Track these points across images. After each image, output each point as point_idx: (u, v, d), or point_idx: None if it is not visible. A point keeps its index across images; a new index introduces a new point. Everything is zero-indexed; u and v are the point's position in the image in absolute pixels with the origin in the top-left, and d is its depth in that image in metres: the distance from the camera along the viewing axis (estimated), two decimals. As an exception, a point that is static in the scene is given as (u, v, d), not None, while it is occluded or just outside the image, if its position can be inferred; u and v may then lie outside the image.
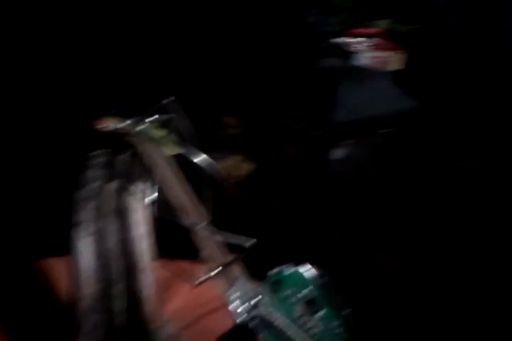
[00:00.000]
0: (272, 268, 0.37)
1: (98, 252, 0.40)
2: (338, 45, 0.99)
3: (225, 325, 0.44)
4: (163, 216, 0.32)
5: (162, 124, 0.33)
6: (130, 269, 0.40)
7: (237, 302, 0.31)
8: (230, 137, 1.07)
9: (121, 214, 0.40)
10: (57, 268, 0.39)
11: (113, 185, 0.41)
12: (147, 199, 0.39)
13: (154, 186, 0.36)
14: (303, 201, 0.85)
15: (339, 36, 0.82)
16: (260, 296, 0.32)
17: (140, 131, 0.32)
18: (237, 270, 0.32)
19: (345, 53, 1.03)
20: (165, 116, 0.34)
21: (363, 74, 0.80)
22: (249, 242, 0.30)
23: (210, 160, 0.31)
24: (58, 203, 0.42)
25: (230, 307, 0.30)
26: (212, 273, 0.30)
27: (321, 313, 0.36)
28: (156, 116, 0.33)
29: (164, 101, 0.32)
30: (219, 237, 0.31)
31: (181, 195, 0.32)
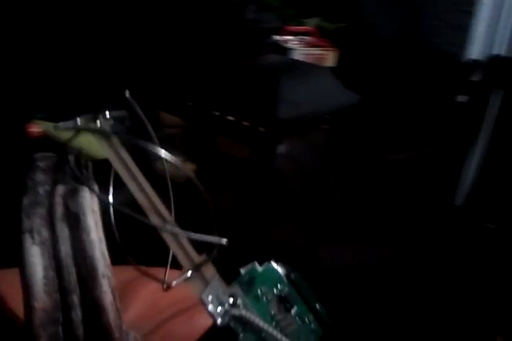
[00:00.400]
0: (226, 268, 0.36)
1: (50, 261, 0.37)
2: (275, 42, 0.99)
3: (190, 328, 0.43)
4: (127, 216, 0.30)
5: (116, 120, 0.31)
6: (86, 277, 0.37)
7: (214, 303, 0.29)
8: (169, 137, 1.05)
9: (73, 220, 0.38)
10: (6, 280, 0.36)
11: (61, 189, 0.39)
12: (99, 203, 0.37)
13: (111, 187, 0.34)
14: (247, 199, 0.84)
15: (277, 33, 0.81)
16: (236, 296, 0.30)
17: (98, 128, 0.30)
18: (210, 270, 0.30)
19: (282, 50, 1.03)
20: (118, 112, 0.32)
21: (304, 70, 0.80)
22: (221, 241, 0.29)
23: (172, 156, 0.30)
24: (2, 210, 0.39)
25: (208, 308, 0.29)
26: (188, 275, 0.29)
27: (294, 310, 0.35)
28: (107, 113, 0.31)
29: (118, 97, 0.31)
30: (190, 236, 0.29)
31: (143, 193, 0.30)
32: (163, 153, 0.29)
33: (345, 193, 1.11)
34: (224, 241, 0.29)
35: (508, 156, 1.39)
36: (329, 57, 1.23)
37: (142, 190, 0.30)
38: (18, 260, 0.36)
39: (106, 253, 0.39)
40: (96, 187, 0.39)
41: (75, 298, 0.37)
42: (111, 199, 0.34)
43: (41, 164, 0.40)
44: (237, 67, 0.78)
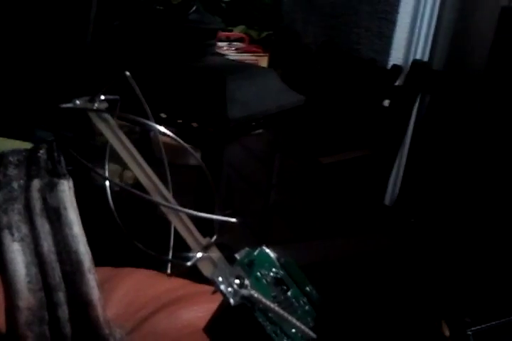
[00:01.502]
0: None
1: (32, 258, 0.35)
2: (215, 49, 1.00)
3: (173, 322, 0.42)
4: (128, 198, 0.29)
5: (110, 104, 0.30)
6: (72, 272, 0.36)
7: (225, 283, 0.29)
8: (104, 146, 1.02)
9: (53, 214, 0.36)
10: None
11: (37, 184, 0.37)
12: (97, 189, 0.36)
13: (106, 167, 0.33)
14: (200, 201, 0.83)
15: (216, 35, 0.82)
16: (243, 277, 0.30)
17: (96, 109, 0.29)
18: (215, 252, 0.30)
19: (216, 56, 1.04)
20: (112, 96, 0.31)
21: (248, 71, 0.81)
22: (232, 220, 0.29)
23: (170, 133, 0.29)
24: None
25: (221, 288, 0.29)
26: (199, 256, 0.28)
27: (290, 292, 0.35)
28: (103, 97, 0.30)
29: (113, 81, 0.30)
30: (199, 215, 0.29)
31: (145, 174, 0.29)
32: (162, 129, 0.29)
33: (286, 195, 1.13)
34: (234, 220, 0.29)
35: (430, 156, 1.47)
36: (261, 63, 1.25)
37: (143, 170, 0.29)
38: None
39: (88, 248, 0.38)
40: (71, 181, 0.37)
41: (61, 295, 0.35)
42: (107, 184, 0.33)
43: (12, 159, 0.38)
44: (181, 69, 0.78)
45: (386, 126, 1.38)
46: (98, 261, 0.40)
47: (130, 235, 0.31)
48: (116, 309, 0.43)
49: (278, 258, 0.36)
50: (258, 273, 0.33)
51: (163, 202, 0.28)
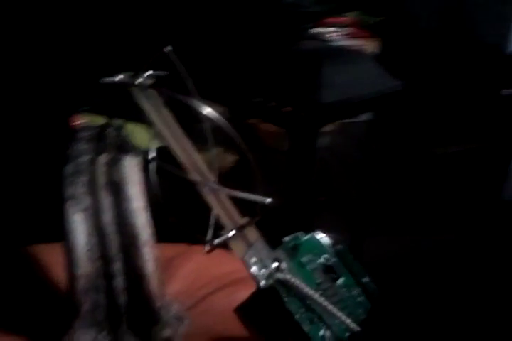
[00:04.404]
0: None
1: (93, 228, 0.37)
2: (314, 34, 0.98)
3: (230, 302, 0.42)
4: (168, 174, 0.30)
5: (157, 80, 0.31)
6: (129, 245, 0.37)
7: (258, 265, 0.28)
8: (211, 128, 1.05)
9: (116, 188, 0.38)
10: (52, 253, 0.36)
11: (104, 158, 0.38)
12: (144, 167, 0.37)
13: (153, 144, 0.33)
14: (289, 187, 0.83)
15: (317, 18, 0.80)
16: (281, 260, 0.29)
17: (139, 84, 0.29)
18: (253, 233, 0.29)
19: (322, 41, 1.02)
20: (160, 72, 0.31)
21: (346, 55, 0.79)
22: (265, 200, 0.28)
23: (216, 113, 0.29)
24: (49, 185, 0.39)
25: (251, 269, 0.28)
26: (230, 235, 0.28)
27: (340, 281, 0.33)
28: (151, 72, 0.30)
29: (159, 54, 0.30)
30: (232, 193, 0.28)
31: (184, 151, 0.29)
32: (205, 108, 0.28)
33: (388, 184, 1.08)
34: (268, 200, 0.28)
35: None
36: (370, 48, 1.21)
37: (183, 147, 0.29)
38: (61, 228, 0.36)
39: (149, 223, 0.39)
40: (140, 155, 0.38)
41: (118, 266, 0.37)
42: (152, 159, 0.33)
43: (84, 134, 0.40)
44: (277, 53, 0.77)
45: (505, 117, 1.28)
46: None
47: (168, 211, 0.32)
48: (179, 285, 0.44)
49: (333, 246, 0.35)
50: (303, 259, 0.32)
51: (196, 179, 0.27)
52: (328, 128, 1.02)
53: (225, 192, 0.28)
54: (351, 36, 1.18)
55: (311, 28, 0.79)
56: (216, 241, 0.28)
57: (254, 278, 0.28)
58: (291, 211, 0.80)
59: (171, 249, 0.48)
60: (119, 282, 0.37)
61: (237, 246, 0.28)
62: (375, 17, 1.60)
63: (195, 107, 0.27)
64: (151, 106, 0.29)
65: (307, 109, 0.75)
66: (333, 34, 1.15)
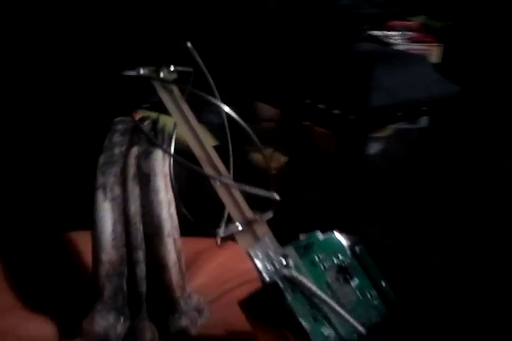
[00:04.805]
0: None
1: (120, 217, 0.38)
2: (375, 37, 0.97)
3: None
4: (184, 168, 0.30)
5: (180, 75, 0.32)
6: (152, 235, 0.38)
7: (264, 260, 0.29)
8: (264, 130, 1.05)
9: (145, 179, 0.39)
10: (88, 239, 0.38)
11: (136, 151, 0.40)
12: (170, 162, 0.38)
13: (173, 140, 0.34)
14: (339, 191, 0.82)
15: (376, 21, 0.79)
16: (289, 256, 0.30)
17: (162, 78, 0.30)
18: (263, 228, 0.30)
19: (383, 45, 1.01)
20: (183, 67, 0.32)
21: (401, 58, 0.77)
22: (272, 195, 0.28)
23: (233, 112, 0.30)
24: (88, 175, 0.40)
25: (255, 263, 0.29)
26: (236, 228, 0.29)
27: (355, 282, 0.33)
28: (172, 67, 0.31)
29: (180, 49, 0.31)
30: (241, 188, 0.29)
31: (200, 145, 0.30)
32: (222, 105, 0.29)
33: (442, 193, 1.05)
34: (276, 195, 0.28)
35: None
36: (432, 53, 1.18)
37: (199, 142, 0.30)
38: (90, 215, 0.38)
39: (174, 215, 0.40)
40: (170, 149, 0.39)
41: (141, 254, 0.38)
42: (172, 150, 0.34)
43: (120, 127, 0.42)
44: (330, 54, 0.77)
45: None
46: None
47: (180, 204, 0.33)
48: (204, 279, 0.45)
49: (351, 247, 0.35)
50: (315, 257, 0.32)
51: (206, 172, 0.28)
52: (383, 133, 1.01)
53: (235, 186, 0.29)
54: (414, 40, 1.16)
55: (370, 30, 0.78)
56: (221, 233, 0.28)
57: (259, 273, 0.29)
58: (339, 213, 0.79)
59: (201, 243, 0.49)
60: (141, 270, 0.38)
61: (243, 240, 0.29)
62: (442, 21, 1.56)
63: (214, 104, 0.28)
64: (172, 100, 0.30)
65: (356, 112, 0.75)
66: (396, 37, 1.14)
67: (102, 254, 0.37)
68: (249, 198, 0.31)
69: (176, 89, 0.31)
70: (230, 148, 0.33)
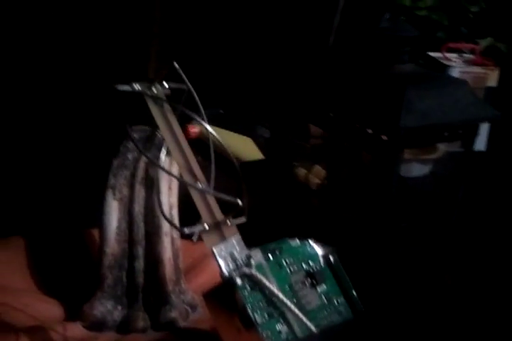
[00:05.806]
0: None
1: (125, 215, 0.43)
2: (433, 59, 0.98)
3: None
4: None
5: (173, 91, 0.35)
6: (152, 233, 0.43)
7: (227, 258, 0.32)
8: (311, 146, 1.08)
9: (150, 183, 0.44)
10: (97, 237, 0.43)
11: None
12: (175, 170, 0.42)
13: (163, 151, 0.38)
14: (373, 209, 0.83)
15: (417, 42, 0.81)
16: (252, 257, 0.33)
17: (154, 94, 0.35)
18: (232, 231, 0.33)
19: (441, 67, 1.02)
20: (175, 84, 0.36)
21: (439, 81, 0.78)
22: (236, 201, 0.32)
23: (212, 130, 0.33)
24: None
25: (217, 260, 0.32)
26: (206, 228, 0.32)
27: (322, 288, 0.36)
28: (166, 84, 0.35)
29: (172, 68, 0.35)
30: (209, 192, 0.32)
31: (181, 154, 0.34)
32: (204, 123, 0.33)
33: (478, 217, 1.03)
34: (238, 201, 0.31)
35: None
36: (490, 77, 1.17)
37: (182, 152, 0.34)
38: (99, 212, 0.43)
39: (175, 216, 0.44)
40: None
41: (140, 250, 0.42)
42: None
43: (135, 134, 0.46)
44: (366, 75, 0.79)
45: None
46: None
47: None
48: (204, 279, 0.48)
49: (324, 256, 0.37)
50: (283, 260, 0.35)
51: (183, 179, 0.32)
52: (432, 155, 1.01)
53: (203, 190, 0.32)
54: (472, 63, 1.15)
55: (410, 51, 0.80)
56: (187, 230, 0.32)
57: (220, 269, 0.32)
58: (370, 233, 0.81)
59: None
60: (140, 264, 0.42)
61: (208, 239, 0.32)
62: (509, 44, 1.53)
63: (196, 120, 0.32)
64: (160, 112, 0.34)
65: (387, 132, 0.76)
66: (455, 59, 1.14)
67: (106, 247, 0.42)
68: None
69: (166, 104, 0.35)
70: (213, 159, 0.36)
